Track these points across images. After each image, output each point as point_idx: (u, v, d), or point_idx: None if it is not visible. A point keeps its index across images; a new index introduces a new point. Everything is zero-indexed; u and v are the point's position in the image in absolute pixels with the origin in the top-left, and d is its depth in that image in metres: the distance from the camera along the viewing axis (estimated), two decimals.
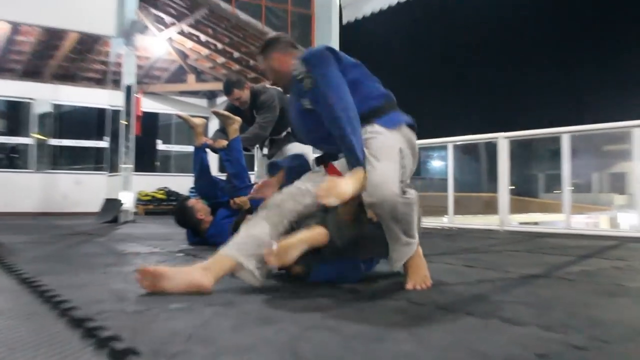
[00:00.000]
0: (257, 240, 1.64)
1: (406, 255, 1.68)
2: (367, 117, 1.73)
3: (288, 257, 1.56)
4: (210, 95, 10.41)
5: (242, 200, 3.27)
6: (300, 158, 2.03)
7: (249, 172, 3.49)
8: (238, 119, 3.35)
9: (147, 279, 1.56)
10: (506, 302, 1.53)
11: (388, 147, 1.66)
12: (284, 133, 3.98)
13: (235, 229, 2.08)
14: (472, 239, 4.26)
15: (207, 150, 3.59)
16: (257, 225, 1.68)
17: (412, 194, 1.60)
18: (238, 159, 3.33)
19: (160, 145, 10.21)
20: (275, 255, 1.55)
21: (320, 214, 1.70)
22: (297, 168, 1.94)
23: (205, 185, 3.57)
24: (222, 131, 3.85)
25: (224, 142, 3.41)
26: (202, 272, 1.58)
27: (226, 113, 3.29)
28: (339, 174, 1.74)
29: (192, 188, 3.87)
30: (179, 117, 3.44)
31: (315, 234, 1.62)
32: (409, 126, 1.81)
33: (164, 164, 10.53)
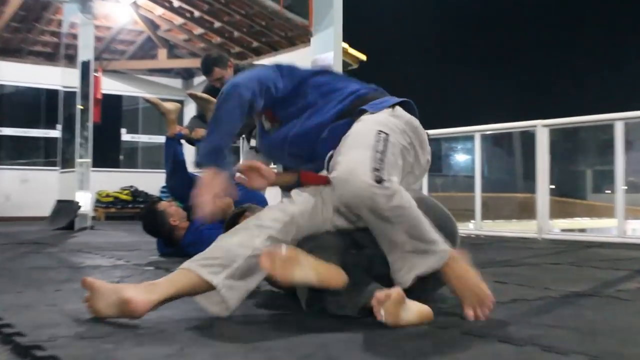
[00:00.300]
0: (228, 253, 1.58)
1: (422, 266, 1.58)
2: (350, 111, 1.78)
3: (288, 274, 1.50)
4: (186, 75, 10.41)
5: (225, 202, 3.27)
6: None
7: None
8: None
9: (85, 296, 1.55)
10: (546, 326, 1.53)
11: (360, 135, 1.66)
12: None
13: (227, 227, 2.09)
14: (504, 250, 4.26)
15: (182, 141, 3.59)
16: (230, 236, 1.65)
17: (392, 182, 1.54)
18: None
19: (125, 135, 10.22)
20: (279, 262, 1.49)
21: (332, 251, 1.67)
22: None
23: (179, 183, 3.57)
24: (201, 118, 3.84)
25: (203, 132, 3.41)
26: (140, 290, 1.52)
27: (205, 96, 3.29)
28: (314, 178, 1.77)
29: (164, 187, 3.89)
30: (148, 101, 3.45)
31: (333, 275, 1.54)
32: (404, 107, 1.82)
33: (130, 157, 10.52)
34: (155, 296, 1.52)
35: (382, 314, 1.50)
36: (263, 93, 1.77)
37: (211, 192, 1.64)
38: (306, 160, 1.83)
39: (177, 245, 3.37)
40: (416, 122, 1.81)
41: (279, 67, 1.88)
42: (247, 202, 2.61)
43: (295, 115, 1.82)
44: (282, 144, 1.83)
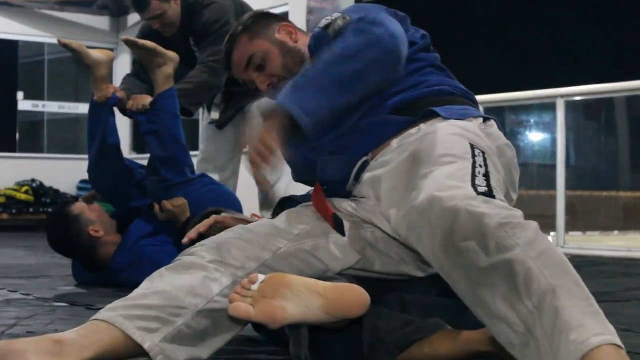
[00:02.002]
0: (170, 301, 1.58)
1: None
2: (413, 108, 1.83)
3: (278, 312, 1.49)
4: (116, 10, 10.40)
5: (178, 204, 3.27)
6: None
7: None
8: (174, 55, 3.33)
9: None
10: None
11: (447, 144, 1.66)
12: None
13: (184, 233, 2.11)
14: (601, 277, 4.27)
15: (115, 110, 3.57)
16: (176, 274, 1.64)
17: (501, 205, 1.45)
18: (172, 131, 3.31)
19: (23, 103, 10.21)
20: (259, 297, 1.50)
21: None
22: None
23: (109, 175, 3.55)
24: (139, 77, 3.82)
25: (147, 99, 3.38)
26: (42, 353, 1.47)
27: (150, 44, 3.26)
28: (324, 206, 1.79)
29: (84, 181, 3.86)
30: (66, 46, 3.37)
31: (348, 295, 1.53)
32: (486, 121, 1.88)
33: (30, 137, 10.51)
34: None
35: None
36: None
37: (268, 142, 1.65)
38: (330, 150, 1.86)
39: (103, 269, 3.38)
40: (512, 151, 1.87)
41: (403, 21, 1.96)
42: (213, 205, 2.62)
43: None
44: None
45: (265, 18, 2.18)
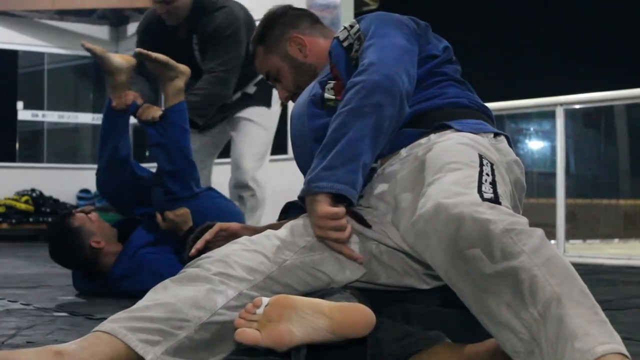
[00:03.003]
0: (173, 314, 1.58)
1: None
2: (427, 121, 1.85)
3: (285, 335, 1.50)
4: (116, 19, 10.40)
5: (180, 213, 3.26)
6: None
7: None
8: (185, 68, 3.31)
9: None
10: None
11: (454, 152, 1.68)
12: (238, 94, 3.99)
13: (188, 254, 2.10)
14: (601, 285, 4.25)
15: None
16: (179, 285, 1.64)
17: (506, 211, 1.46)
18: (180, 145, 3.30)
19: (23, 112, 10.20)
20: (264, 321, 1.50)
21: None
22: None
23: (116, 181, 3.52)
24: (142, 74, 3.81)
25: (157, 111, 3.36)
26: None
27: (163, 57, 3.24)
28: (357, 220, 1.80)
29: (85, 191, 3.82)
30: (90, 50, 3.30)
31: (354, 314, 1.52)
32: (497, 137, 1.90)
33: (30, 146, 10.49)
34: None
35: None
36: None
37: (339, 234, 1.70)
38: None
39: (103, 278, 3.37)
40: (520, 168, 1.90)
41: (425, 29, 2.02)
42: (213, 216, 2.61)
43: None
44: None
45: (278, 23, 2.25)
